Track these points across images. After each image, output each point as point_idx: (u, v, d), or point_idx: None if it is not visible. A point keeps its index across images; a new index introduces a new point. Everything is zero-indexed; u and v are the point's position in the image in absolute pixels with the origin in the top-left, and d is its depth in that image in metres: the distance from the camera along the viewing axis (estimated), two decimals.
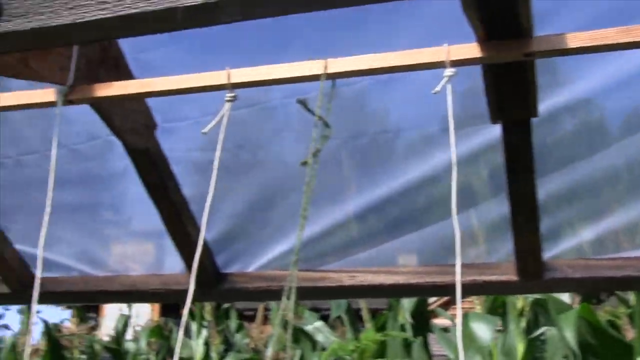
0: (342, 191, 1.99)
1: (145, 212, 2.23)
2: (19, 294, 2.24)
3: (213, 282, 2.07)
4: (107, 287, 2.23)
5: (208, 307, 5.47)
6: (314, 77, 1.29)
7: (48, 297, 2.29)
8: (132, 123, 1.69)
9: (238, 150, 1.96)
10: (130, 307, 6.65)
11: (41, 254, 1.51)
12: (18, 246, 2.20)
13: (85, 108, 1.55)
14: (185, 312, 1.39)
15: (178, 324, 6.22)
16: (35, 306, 1.56)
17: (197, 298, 2.16)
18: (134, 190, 2.13)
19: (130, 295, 2.27)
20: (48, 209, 1.48)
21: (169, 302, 2.31)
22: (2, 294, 2.23)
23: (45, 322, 5.41)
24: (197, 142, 1.88)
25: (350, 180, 2.01)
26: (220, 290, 2.09)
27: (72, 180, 2.13)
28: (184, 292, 2.15)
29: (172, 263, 2.14)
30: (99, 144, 2.01)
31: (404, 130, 1.87)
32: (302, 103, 1.31)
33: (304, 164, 1.27)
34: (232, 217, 2.03)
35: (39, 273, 1.55)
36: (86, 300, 2.37)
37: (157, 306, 15.80)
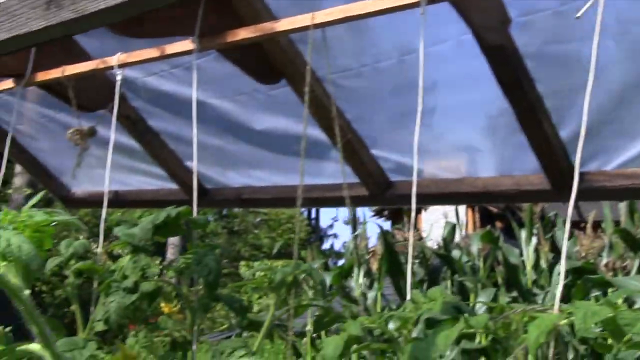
0: None
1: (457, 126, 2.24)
2: (376, 197, 2.41)
3: (568, 182, 2.01)
4: (456, 189, 2.28)
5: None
6: None
7: (401, 199, 2.43)
8: (488, 19, 1.66)
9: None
10: (457, 215, 6.84)
11: (415, 163, 1.58)
12: (374, 151, 2.35)
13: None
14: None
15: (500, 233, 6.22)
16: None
17: (551, 198, 2.12)
18: (445, 104, 2.13)
19: (480, 196, 2.30)
20: (419, 118, 1.54)
21: (522, 202, 2.29)
22: (361, 196, 2.41)
23: (381, 228, 5.81)
24: (552, 34, 1.78)
25: None
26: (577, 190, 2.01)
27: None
28: (537, 193, 2.14)
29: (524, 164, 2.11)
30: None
31: None
32: None
33: None
34: (589, 113, 1.92)
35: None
36: (434, 201, 2.46)
37: (473, 216, 16.08)
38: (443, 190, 2.29)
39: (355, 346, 1.34)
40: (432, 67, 1.75)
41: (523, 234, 5.26)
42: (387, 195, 2.39)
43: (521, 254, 5.67)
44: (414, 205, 1.53)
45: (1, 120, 3.08)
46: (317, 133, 2.26)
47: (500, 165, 2.22)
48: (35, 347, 0.73)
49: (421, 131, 2.28)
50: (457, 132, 2.29)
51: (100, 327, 1.63)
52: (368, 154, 2.34)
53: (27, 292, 0.75)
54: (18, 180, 13.19)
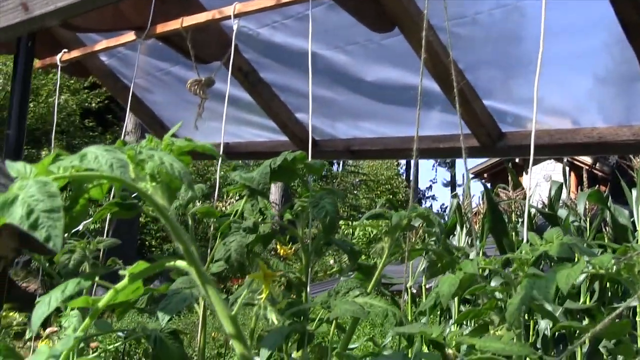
0: None
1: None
2: (488, 148, 2.38)
3: None
4: (571, 139, 2.22)
5: None
6: None
7: (513, 150, 2.39)
8: None
9: None
10: (565, 174, 6.63)
11: (534, 112, 1.55)
12: (486, 101, 2.31)
13: None
14: None
15: None
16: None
17: None
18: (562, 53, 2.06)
19: (596, 147, 2.22)
20: (539, 66, 1.51)
21: None
22: (472, 147, 2.39)
23: (485, 186, 5.73)
24: None
25: None
26: None
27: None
28: None
29: None
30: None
31: None
32: None
33: None
34: None
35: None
36: (548, 152, 2.39)
37: (576, 180, 15.53)
38: (557, 141, 2.23)
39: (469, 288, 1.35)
40: (549, 13, 1.69)
41: (634, 193, 5.03)
42: (498, 146, 2.35)
43: (631, 215, 5.45)
44: (532, 150, 1.51)
45: (121, 74, 3.23)
46: (426, 83, 2.25)
47: (618, 115, 2.14)
48: (181, 263, 0.79)
49: (534, 81, 2.23)
50: (573, 82, 2.22)
51: (215, 268, 1.71)
52: (480, 104, 2.30)
53: (172, 210, 0.79)
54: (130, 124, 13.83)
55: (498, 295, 1.38)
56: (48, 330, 2.67)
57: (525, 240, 1.37)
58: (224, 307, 0.77)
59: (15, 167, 0.69)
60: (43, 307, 0.74)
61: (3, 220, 0.64)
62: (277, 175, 1.75)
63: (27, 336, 2.27)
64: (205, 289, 0.77)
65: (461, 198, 6.26)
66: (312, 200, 1.61)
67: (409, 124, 2.66)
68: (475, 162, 18.64)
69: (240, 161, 3.06)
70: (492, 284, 1.40)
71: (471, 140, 2.37)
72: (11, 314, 1.87)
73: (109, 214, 1.48)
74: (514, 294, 1.25)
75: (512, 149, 2.36)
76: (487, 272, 2.34)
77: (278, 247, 1.88)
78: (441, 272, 1.70)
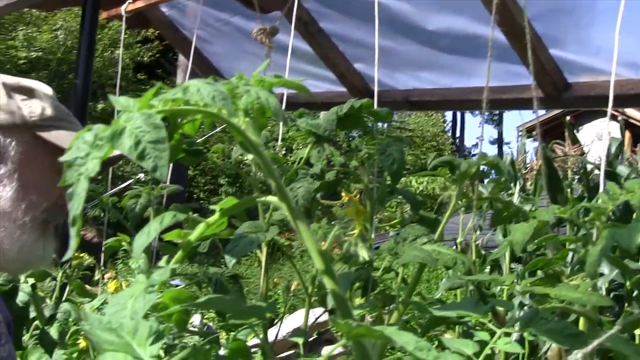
0: None
1: None
2: (553, 99, 2.33)
3: None
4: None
5: None
6: None
7: (579, 101, 2.34)
8: None
9: None
10: (622, 130, 6.46)
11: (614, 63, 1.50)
12: (553, 51, 2.26)
13: None
14: None
15: None
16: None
17: None
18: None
19: None
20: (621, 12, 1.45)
21: None
22: (537, 98, 2.34)
23: (541, 142, 5.63)
24: None
25: None
26: None
27: None
28: None
29: None
30: None
31: None
32: None
33: None
34: None
35: None
36: (615, 103, 2.33)
37: (631, 137, 15.13)
38: (626, 92, 2.17)
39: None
40: None
41: None
42: (564, 97, 2.30)
43: None
44: (611, 98, 1.47)
45: (181, 25, 3.24)
46: (488, 32, 2.20)
47: None
48: (272, 199, 0.80)
49: (605, 29, 2.17)
50: None
51: (278, 216, 1.73)
52: (546, 53, 2.25)
53: (262, 144, 0.80)
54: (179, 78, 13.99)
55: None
56: (106, 275, 2.77)
57: (601, 189, 1.35)
58: (315, 243, 0.78)
59: (119, 101, 0.70)
60: (143, 237, 0.76)
61: (110, 151, 0.66)
62: (343, 122, 1.75)
63: (95, 277, 2.36)
64: (296, 225, 0.79)
65: (514, 154, 6.16)
66: (379, 147, 1.61)
67: (470, 74, 2.62)
68: (525, 118, 18.34)
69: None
70: None
71: (536, 91, 2.33)
72: (82, 255, 1.93)
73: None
74: (591, 244, 1.24)
75: (578, 100, 2.31)
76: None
77: (343, 194, 1.89)
78: (506, 222, 1.69)
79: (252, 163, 1.96)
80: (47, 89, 1.34)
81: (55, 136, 1.27)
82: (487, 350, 1.06)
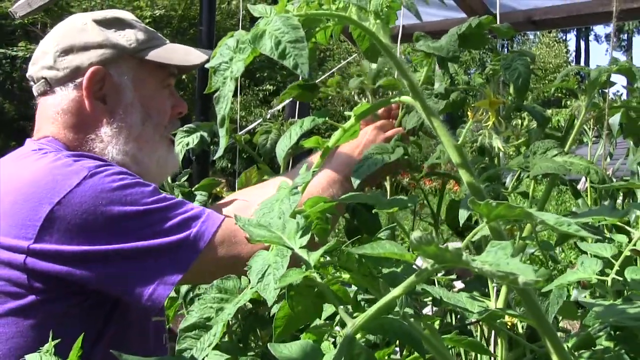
0: None
1: None
2: None
3: None
4: None
5: None
6: None
7: None
8: None
9: None
10: None
11: None
12: None
13: None
14: None
15: None
16: None
17: None
18: None
19: None
20: None
21: None
22: None
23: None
24: None
25: None
26: None
27: None
28: None
29: None
30: None
31: None
32: None
33: None
34: None
35: None
36: None
37: None
38: None
39: None
40: None
41: None
42: None
43: None
44: None
45: None
46: None
47: None
48: (406, 98, 0.82)
49: None
50: None
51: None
52: None
53: (394, 47, 0.82)
54: None
55: None
56: None
57: None
58: (450, 138, 0.80)
59: (257, 9, 0.74)
60: (285, 140, 0.81)
61: (256, 52, 0.70)
62: (465, 41, 1.73)
63: None
64: (431, 122, 0.81)
65: None
66: (504, 62, 1.58)
67: None
68: None
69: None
70: None
71: None
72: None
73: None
74: None
75: None
76: None
77: (468, 112, 1.87)
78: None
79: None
80: (129, 15, 1.45)
81: (155, 55, 1.39)
82: (626, 252, 1.05)
